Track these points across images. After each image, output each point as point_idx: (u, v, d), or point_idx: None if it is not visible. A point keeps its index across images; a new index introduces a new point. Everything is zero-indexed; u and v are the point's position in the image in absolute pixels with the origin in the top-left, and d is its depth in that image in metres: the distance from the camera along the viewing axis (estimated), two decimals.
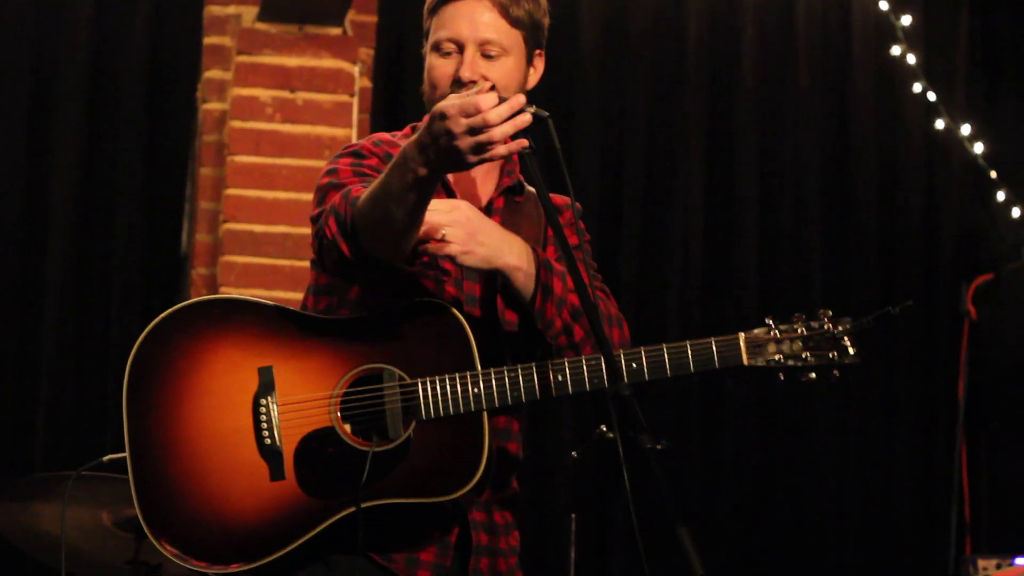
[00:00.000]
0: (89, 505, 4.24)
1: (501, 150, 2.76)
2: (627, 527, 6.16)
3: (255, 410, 2.99)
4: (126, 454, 3.00)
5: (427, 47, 3.18)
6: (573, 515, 5.00)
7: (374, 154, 3.15)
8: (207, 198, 5.80)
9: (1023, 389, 6.50)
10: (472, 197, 3.19)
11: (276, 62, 5.75)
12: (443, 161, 2.78)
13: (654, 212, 6.42)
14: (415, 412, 2.96)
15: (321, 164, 3.25)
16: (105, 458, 4.00)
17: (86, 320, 5.81)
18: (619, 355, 2.98)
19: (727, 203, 6.48)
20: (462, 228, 2.96)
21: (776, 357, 3.06)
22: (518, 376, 2.99)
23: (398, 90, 6.12)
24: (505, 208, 3.22)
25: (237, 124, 5.73)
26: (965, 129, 6.61)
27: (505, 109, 2.73)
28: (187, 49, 5.96)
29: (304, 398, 2.99)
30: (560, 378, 3.00)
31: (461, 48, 3.12)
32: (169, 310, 3.06)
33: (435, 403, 2.96)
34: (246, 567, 2.96)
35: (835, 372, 3.09)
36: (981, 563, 5.96)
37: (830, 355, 3.07)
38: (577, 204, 3.13)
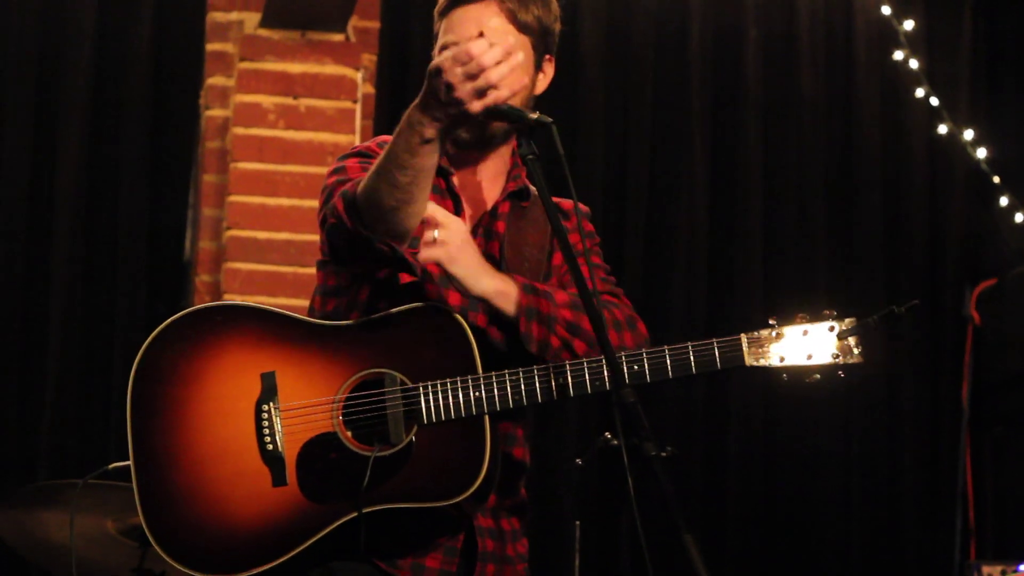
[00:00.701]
0: (94, 513, 4.23)
1: (504, 92, 2.80)
2: (632, 534, 6.15)
3: (257, 416, 2.99)
4: (130, 462, 3.00)
5: (435, 51, 3.18)
6: (577, 522, 4.99)
7: (377, 156, 3.15)
8: (210, 205, 5.80)
9: None
10: (478, 202, 3.19)
11: (279, 68, 5.76)
12: (448, 115, 2.81)
13: (658, 215, 6.42)
14: (417, 416, 2.95)
15: (324, 170, 3.25)
16: (110, 466, 3.99)
17: (90, 327, 5.81)
18: (620, 357, 2.97)
19: (731, 206, 6.48)
20: (457, 235, 2.97)
21: (779, 358, 3.04)
22: (520, 379, 2.98)
23: (401, 96, 6.11)
24: (511, 213, 3.21)
25: (240, 131, 5.73)
26: (968, 134, 6.61)
27: (498, 51, 2.77)
28: (190, 56, 5.96)
29: (306, 403, 2.99)
30: (562, 381, 2.99)
31: None
32: (172, 317, 3.06)
33: (437, 407, 2.96)
34: (248, 574, 2.96)
35: (840, 373, 3.07)
36: (986, 569, 5.96)
37: (834, 356, 3.06)
38: (582, 206, 3.13)
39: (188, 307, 3.19)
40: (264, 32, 5.78)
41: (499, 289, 3.02)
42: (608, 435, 4.10)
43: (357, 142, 5.73)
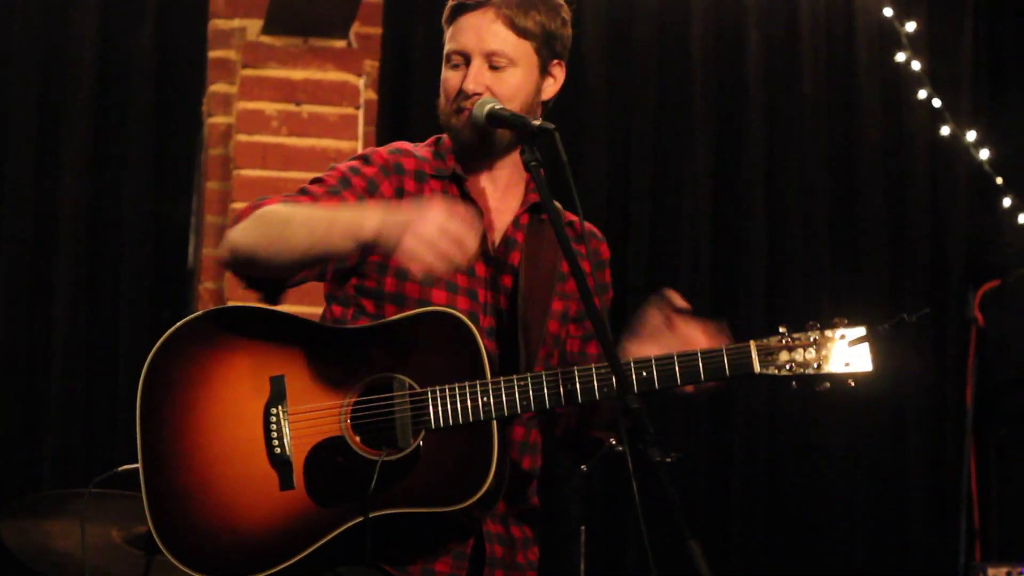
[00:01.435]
0: (99, 522, 4.23)
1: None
2: (637, 540, 6.15)
3: (266, 420, 2.99)
4: (138, 464, 3.00)
5: (444, 53, 3.20)
6: (583, 528, 4.99)
7: (376, 164, 3.16)
8: (214, 212, 5.80)
9: None
10: (497, 212, 3.19)
11: (281, 75, 5.76)
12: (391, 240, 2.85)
13: (661, 220, 6.42)
14: (425, 421, 2.96)
15: None
16: (120, 468, 4.00)
17: (94, 334, 5.81)
18: (629, 364, 2.97)
19: (734, 209, 6.48)
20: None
21: (789, 365, 3.03)
22: (528, 385, 2.98)
23: (404, 102, 6.12)
24: (530, 225, 3.21)
25: (243, 138, 5.73)
26: (970, 135, 6.61)
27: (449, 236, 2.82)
28: (192, 63, 5.97)
29: (314, 407, 2.99)
30: (570, 387, 2.99)
31: (468, 60, 3.13)
32: (181, 321, 3.07)
33: (444, 412, 2.96)
34: None
35: (850, 382, 3.05)
36: (991, 571, 5.95)
37: (844, 364, 3.04)
38: (604, 253, 3.21)
39: (192, 314, 3.18)
40: (266, 39, 5.78)
41: None
42: (613, 441, 4.09)
43: (360, 148, 5.73)
